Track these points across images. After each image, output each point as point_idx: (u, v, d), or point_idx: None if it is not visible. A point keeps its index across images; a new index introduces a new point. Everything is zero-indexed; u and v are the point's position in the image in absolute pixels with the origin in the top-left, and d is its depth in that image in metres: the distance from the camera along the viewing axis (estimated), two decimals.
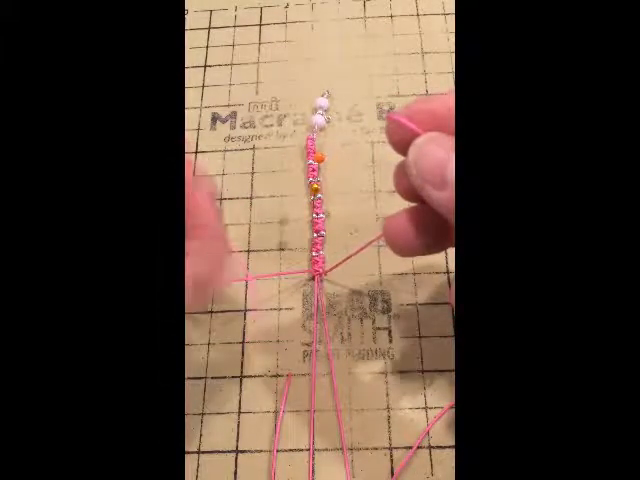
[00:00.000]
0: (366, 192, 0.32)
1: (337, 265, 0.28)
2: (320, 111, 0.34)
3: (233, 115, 0.35)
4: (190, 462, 0.25)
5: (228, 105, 0.35)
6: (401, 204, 0.33)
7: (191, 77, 0.36)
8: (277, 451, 0.25)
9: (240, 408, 0.26)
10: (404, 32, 0.37)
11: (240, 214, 0.31)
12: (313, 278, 0.29)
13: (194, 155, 0.34)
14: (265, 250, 0.30)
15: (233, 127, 0.34)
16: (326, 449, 0.25)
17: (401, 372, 0.27)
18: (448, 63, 0.36)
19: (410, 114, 0.20)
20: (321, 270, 0.29)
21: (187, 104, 0.35)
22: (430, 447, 0.25)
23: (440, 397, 0.26)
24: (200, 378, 0.27)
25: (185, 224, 0.20)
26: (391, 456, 0.25)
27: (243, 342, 0.28)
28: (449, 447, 0.25)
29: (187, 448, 0.25)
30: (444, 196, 0.19)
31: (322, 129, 0.34)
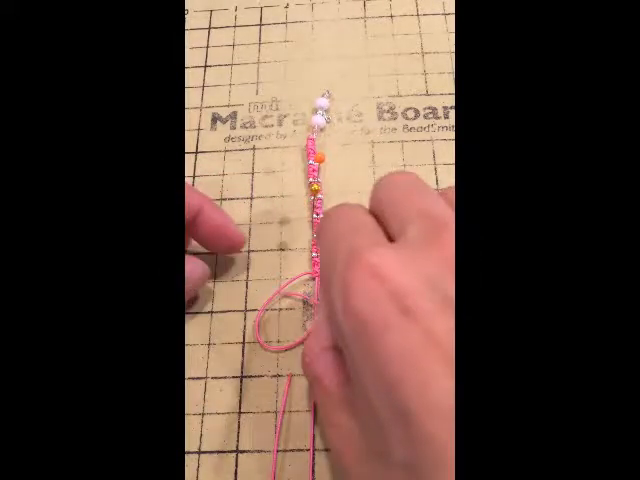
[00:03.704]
0: (366, 193, 0.31)
1: None
2: (320, 111, 0.34)
3: (233, 115, 0.35)
4: (190, 462, 0.25)
5: (228, 105, 0.35)
6: None
7: (191, 77, 0.36)
8: (277, 451, 0.25)
9: (240, 408, 0.26)
10: (404, 32, 0.37)
11: (240, 214, 0.31)
12: (314, 279, 0.29)
13: (194, 155, 0.34)
14: (265, 250, 0.30)
15: (233, 127, 0.34)
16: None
17: None
18: (448, 63, 0.36)
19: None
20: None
21: (187, 104, 0.35)
22: None
23: None
24: (200, 378, 0.27)
25: None
26: None
27: (243, 342, 0.28)
28: None
29: (187, 448, 0.25)
30: None
31: (322, 129, 0.34)
